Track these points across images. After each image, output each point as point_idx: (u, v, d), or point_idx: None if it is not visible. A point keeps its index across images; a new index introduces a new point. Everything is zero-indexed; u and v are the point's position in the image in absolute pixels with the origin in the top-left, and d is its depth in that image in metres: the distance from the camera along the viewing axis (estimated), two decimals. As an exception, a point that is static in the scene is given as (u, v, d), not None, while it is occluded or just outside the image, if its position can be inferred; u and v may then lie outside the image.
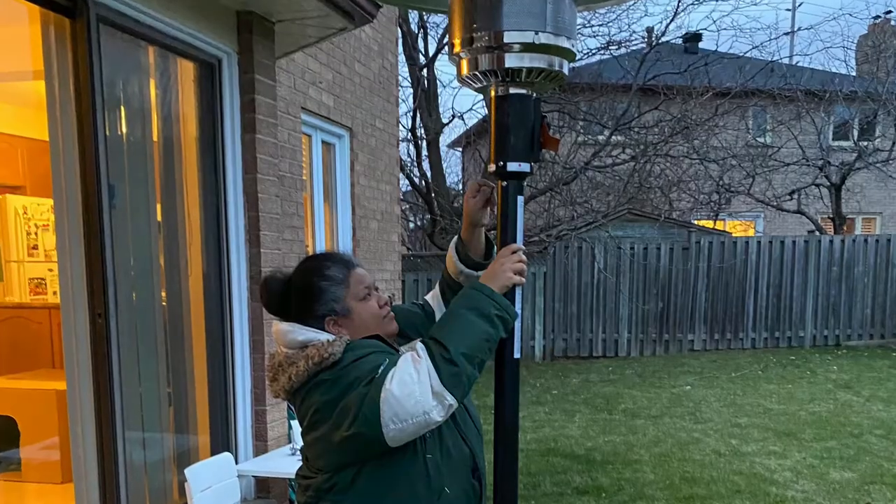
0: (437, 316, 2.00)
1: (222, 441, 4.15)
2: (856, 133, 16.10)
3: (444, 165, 15.35)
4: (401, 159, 9.75)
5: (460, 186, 17.45)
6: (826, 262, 11.59)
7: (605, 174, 12.65)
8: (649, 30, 13.81)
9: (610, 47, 12.87)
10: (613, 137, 12.40)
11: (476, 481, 1.84)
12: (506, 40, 1.59)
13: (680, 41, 15.97)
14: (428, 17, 12.88)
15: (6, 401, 4.70)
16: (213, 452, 3.99)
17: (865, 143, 15.16)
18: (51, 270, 6.52)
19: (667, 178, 13.39)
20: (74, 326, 3.28)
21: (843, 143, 16.36)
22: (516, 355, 1.74)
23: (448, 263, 2.01)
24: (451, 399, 1.61)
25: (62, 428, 4.11)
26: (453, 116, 13.99)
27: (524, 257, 1.74)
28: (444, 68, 20.00)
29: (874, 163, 14.36)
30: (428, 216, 13.23)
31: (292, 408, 1.83)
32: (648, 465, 5.90)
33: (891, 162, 14.46)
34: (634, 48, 13.43)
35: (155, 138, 3.82)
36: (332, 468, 1.74)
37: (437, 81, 13.49)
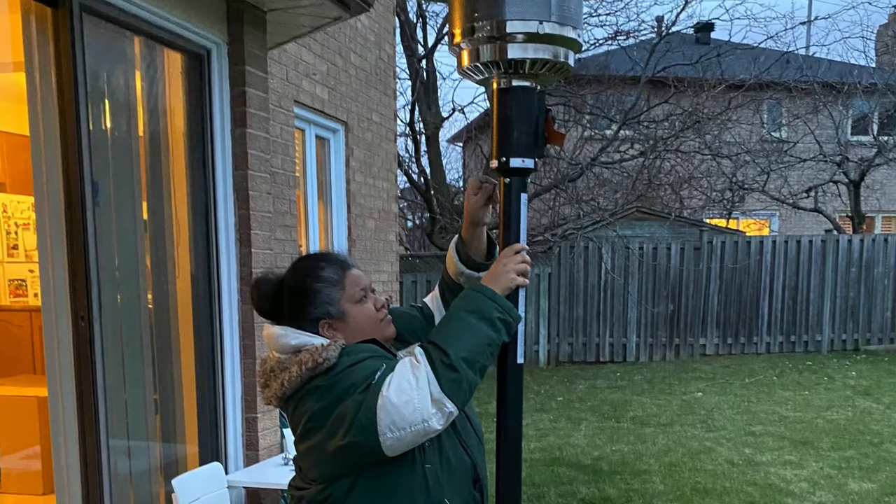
0: (437, 319, 2.00)
1: (211, 450, 4.14)
2: (875, 127, 16.10)
3: (444, 161, 15.36)
4: (399, 155, 9.74)
5: (461, 183, 17.45)
6: (844, 263, 11.59)
7: (613, 170, 12.66)
8: (659, 19, 13.83)
9: (618, 37, 12.86)
10: (621, 132, 12.41)
11: (477, 492, 1.84)
12: (509, 30, 1.60)
13: (691, 31, 15.97)
14: (427, 6, 12.90)
15: (-15, 408, 4.70)
16: (202, 462, 3.99)
17: (886, 138, 15.15)
18: (31, 271, 6.53)
19: (677, 175, 13.40)
20: (56, 330, 3.28)
21: (863, 138, 16.36)
22: (519, 360, 1.74)
23: (448, 264, 2.01)
24: (451, 406, 1.61)
25: (44, 437, 4.11)
26: (454, 110, 14.02)
27: (528, 258, 1.74)
28: (444, 59, 20.06)
29: (895, 158, 14.36)
30: (427, 215, 13.23)
31: (285, 415, 1.83)
32: (658, 476, 5.90)
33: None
34: (643, 38, 13.44)
35: (141, 133, 3.82)
36: (326, 479, 1.74)
37: (437, 73, 13.51)
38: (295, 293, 1.84)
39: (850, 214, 14.97)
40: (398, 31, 10.31)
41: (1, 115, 6.23)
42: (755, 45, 13.86)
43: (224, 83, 4.09)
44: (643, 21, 19.43)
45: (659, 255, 11.41)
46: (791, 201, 15.16)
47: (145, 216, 3.82)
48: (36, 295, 6.23)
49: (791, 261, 11.56)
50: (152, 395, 3.90)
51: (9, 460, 4.73)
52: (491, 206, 1.91)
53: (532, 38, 1.60)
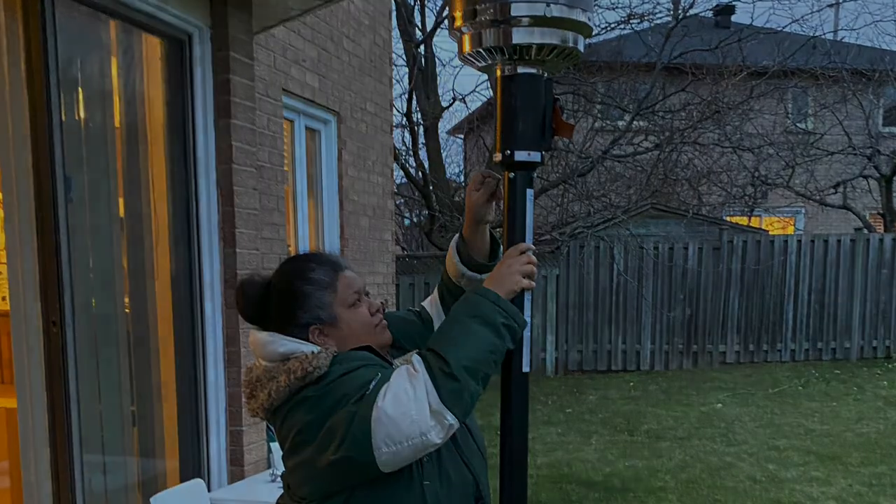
0: (436, 324, 2.00)
1: (193, 466, 4.15)
2: (908, 118, 16.11)
3: (444, 155, 15.40)
4: (395, 148, 9.75)
5: (462, 178, 17.47)
6: (875, 264, 11.59)
7: (626, 164, 12.66)
8: (675, 1, 13.83)
9: (631, 21, 12.87)
10: (635, 123, 12.42)
11: (479, 511, 1.84)
12: (513, 13, 1.60)
13: (710, 14, 16.00)
14: (425, -12, 12.90)
15: (-51, 420, 4.70)
16: (183, 478, 3.99)
17: (920, 130, 15.18)
18: (-1, 273, 6.53)
19: (695, 169, 13.40)
20: (26, 336, 3.28)
21: (895, 130, 16.37)
22: (525, 369, 1.74)
23: (448, 265, 2.01)
24: (451, 418, 1.61)
25: (12, 451, 4.11)
26: (454, 99, 14.02)
27: (534, 258, 1.74)
28: (444, 45, 20.07)
29: (929, 151, 14.38)
30: (425, 212, 13.24)
31: (272, 428, 1.83)
32: (674, 493, 5.91)
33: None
34: (659, 22, 13.45)
35: (117, 124, 3.82)
36: (317, 496, 1.75)
37: (436, 60, 13.53)
38: (283, 297, 1.84)
39: (881, 212, 14.97)
40: (394, 14, 10.32)
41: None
42: (779, 28, 13.90)
43: (206, 70, 4.09)
44: (658, 3, 19.40)
45: (675, 255, 11.41)
46: (818, 197, 15.16)
47: (122, 213, 3.83)
48: (4, 298, 6.20)
49: (818, 262, 11.56)
50: (129, 406, 3.91)
51: (-26, 476, 4.73)
52: (494, 203, 1.91)
53: (538, 21, 1.60)
